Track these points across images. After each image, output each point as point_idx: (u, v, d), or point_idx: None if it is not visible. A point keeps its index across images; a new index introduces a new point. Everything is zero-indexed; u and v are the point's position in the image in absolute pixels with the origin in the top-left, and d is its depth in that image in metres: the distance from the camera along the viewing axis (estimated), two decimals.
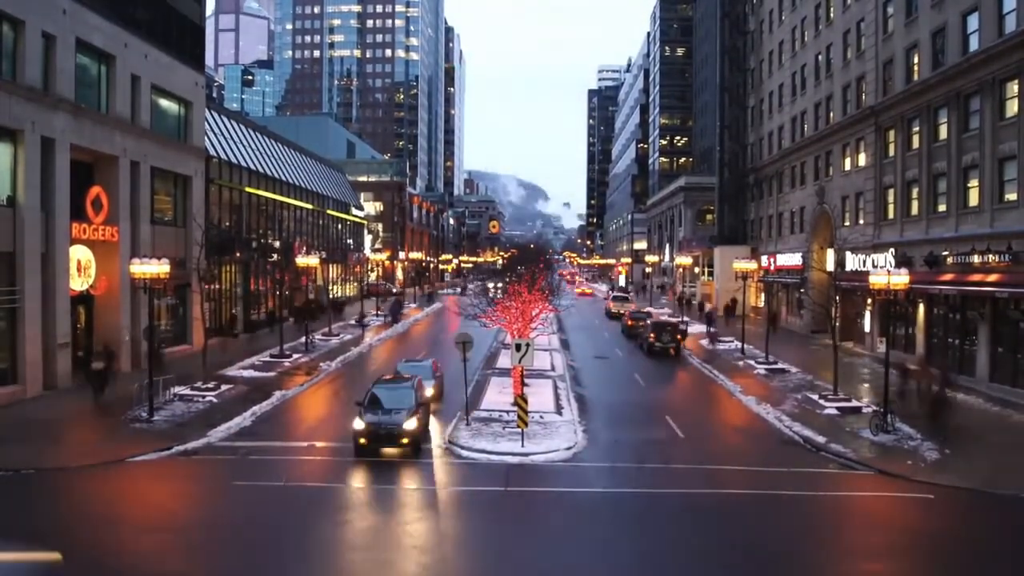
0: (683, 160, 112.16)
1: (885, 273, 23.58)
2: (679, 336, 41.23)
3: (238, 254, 44.18)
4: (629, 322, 49.04)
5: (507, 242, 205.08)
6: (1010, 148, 27.96)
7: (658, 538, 15.57)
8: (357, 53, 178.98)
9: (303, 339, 39.35)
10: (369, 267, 78.38)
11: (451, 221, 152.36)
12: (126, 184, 31.51)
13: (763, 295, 56.07)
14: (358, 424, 20.12)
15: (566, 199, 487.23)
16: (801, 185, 51.36)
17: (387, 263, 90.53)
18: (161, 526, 15.70)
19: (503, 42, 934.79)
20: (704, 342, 44.30)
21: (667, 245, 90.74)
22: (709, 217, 77.40)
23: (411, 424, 20.27)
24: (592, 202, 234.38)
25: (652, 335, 40.62)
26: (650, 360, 39.13)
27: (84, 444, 21.14)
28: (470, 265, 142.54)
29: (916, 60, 35.31)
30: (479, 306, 30.95)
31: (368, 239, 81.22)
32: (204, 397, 26.40)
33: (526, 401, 21.64)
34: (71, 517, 16.05)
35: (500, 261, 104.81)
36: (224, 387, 28.08)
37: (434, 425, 23.65)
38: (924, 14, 34.38)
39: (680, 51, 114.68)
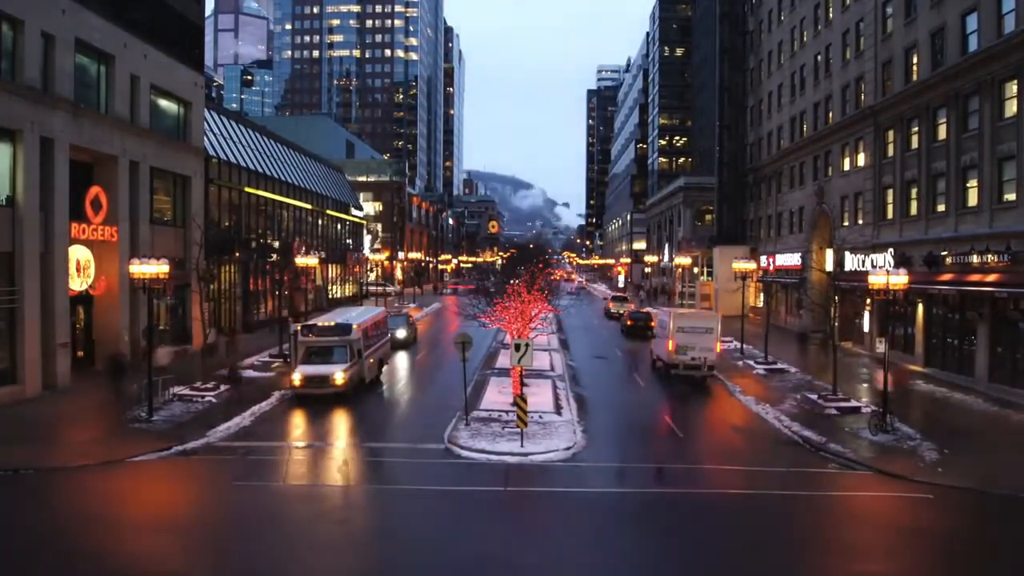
0: (682, 160, 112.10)
1: (884, 273, 23.58)
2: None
3: (237, 254, 44.14)
4: (629, 322, 49.48)
5: (506, 242, 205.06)
6: (1009, 148, 28.00)
7: (657, 538, 15.57)
8: (356, 53, 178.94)
9: None
10: (368, 267, 78.36)
11: (450, 221, 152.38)
12: (125, 184, 31.49)
13: (762, 295, 56.08)
14: None
15: (566, 199, 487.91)
16: (800, 185, 51.39)
17: (386, 263, 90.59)
18: (161, 526, 15.69)
19: (502, 42, 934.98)
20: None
21: (666, 245, 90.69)
22: (708, 217, 77.39)
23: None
24: (591, 202, 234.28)
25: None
26: (649, 360, 39.12)
27: (84, 444, 21.11)
28: (469, 265, 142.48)
29: (915, 60, 35.35)
30: (479, 306, 30.97)
31: (367, 239, 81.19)
32: (203, 397, 26.38)
33: (525, 401, 21.64)
34: (71, 517, 16.05)
35: (499, 261, 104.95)
36: (223, 387, 28.04)
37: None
38: (923, 14, 34.41)
39: (679, 51, 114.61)
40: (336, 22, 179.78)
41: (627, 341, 46.73)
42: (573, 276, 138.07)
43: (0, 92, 24.47)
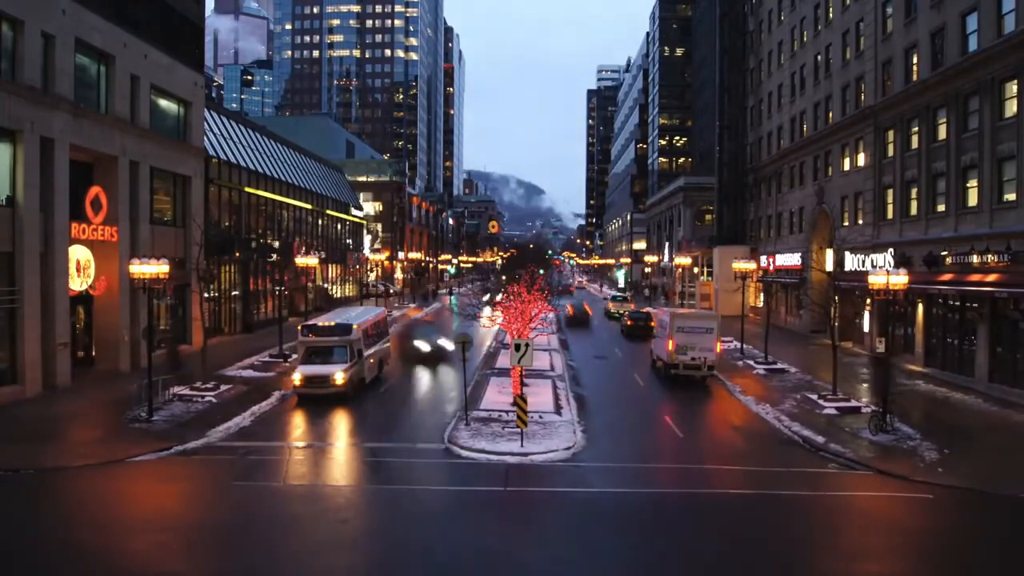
0: (682, 160, 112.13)
1: (884, 273, 23.58)
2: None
3: (237, 254, 44.17)
4: (629, 322, 49.41)
5: (506, 242, 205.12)
6: (1009, 148, 28.00)
7: (657, 538, 15.56)
8: (356, 53, 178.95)
9: None
10: (368, 267, 78.36)
11: (450, 221, 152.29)
12: (125, 184, 31.50)
13: (762, 295, 56.08)
14: None
15: (566, 199, 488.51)
16: (800, 185, 51.38)
17: (386, 263, 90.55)
18: (161, 526, 15.68)
19: (502, 42, 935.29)
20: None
21: (666, 245, 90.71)
22: (708, 217, 77.41)
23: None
24: (591, 202, 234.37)
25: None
26: (648, 360, 39.11)
27: (84, 444, 21.12)
28: (469, 265, 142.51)
29: (915, 60, 35.35)
30: (478, 306, 30.98)
31: (367, 239, 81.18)
32: (203, 397, 26.39)
33: (525, 401, 21.64)
34: (71, 517, 16.06)
35: (499, 261, 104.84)
36: (223, 387, 28.07)
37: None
38: (923, 14, 34.41)
39: (679, 51, 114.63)
40: (336, 22, 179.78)
41: (627, 341, 46.73)
42: (578, 280, 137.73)
43: (0, 92, 24.48)
